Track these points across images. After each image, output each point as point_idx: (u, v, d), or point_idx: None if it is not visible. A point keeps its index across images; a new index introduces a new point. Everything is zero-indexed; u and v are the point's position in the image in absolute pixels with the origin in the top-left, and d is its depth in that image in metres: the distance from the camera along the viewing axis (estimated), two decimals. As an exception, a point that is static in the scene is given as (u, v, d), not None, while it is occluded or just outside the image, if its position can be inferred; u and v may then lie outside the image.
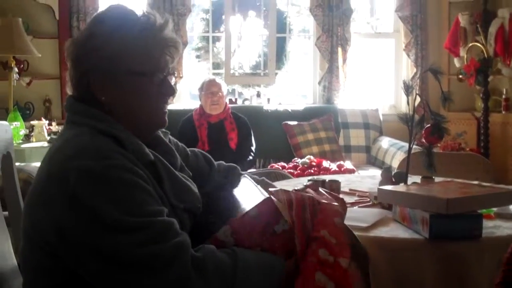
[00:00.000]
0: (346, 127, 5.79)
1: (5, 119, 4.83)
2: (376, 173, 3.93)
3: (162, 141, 1.69)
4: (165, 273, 1.32)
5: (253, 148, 4.91)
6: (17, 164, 2.31)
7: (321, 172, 4.64)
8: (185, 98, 6.04)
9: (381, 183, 2.68)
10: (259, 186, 1.67)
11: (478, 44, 5.48)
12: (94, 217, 1.31)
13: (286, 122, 5.61)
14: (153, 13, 1.58)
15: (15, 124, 4.85)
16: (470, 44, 5.55)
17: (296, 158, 5.16)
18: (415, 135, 2.64)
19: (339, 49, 5.97)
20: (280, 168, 4.72)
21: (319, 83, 6.09)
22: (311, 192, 1.72)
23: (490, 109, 5.51)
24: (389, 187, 2.38)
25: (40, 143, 4.90)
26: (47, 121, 5.19)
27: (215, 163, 1.96)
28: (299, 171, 4.69)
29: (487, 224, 2.16)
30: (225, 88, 4.99)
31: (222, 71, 6.24)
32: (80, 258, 1.35)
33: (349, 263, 1.49)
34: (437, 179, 2.71)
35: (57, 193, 1.35)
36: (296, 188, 1.87)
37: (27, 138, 5.03)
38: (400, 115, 2.70)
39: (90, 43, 1.52)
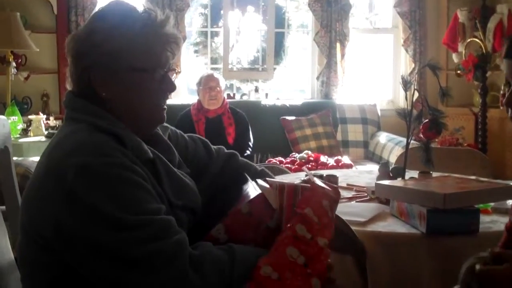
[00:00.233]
0: (344, 122, 5.80)
1: (3, 114, 4.81)
2: (374, 168, 3.93)
3: (161, 138, 1.69)
4: (163, 271, 1.32)
5: (251, 143, 4.92)
6: (14, 158, 2.31)
7: (319, 167, 4.65)
8: (183, 93, 6.04)
9: (379, 178, 2.68)
10: (253, 183, 1.66)
11: (477, 40, 5.47)
12: (93, 214, 1.31)
13: (284, 117, 5.61)
14: (154, 9, 1.58)
15: (13, 119, 4.84)
16: (469, 40, 5.55)
17: (294, 153, 5.16)
18: (413, 130, 2.64)
19: (338, 44, 5.96)
20: (278, 163, 4.72)
21: (317, 78, 6.09)
22: (307, 172, 1.73)
23: (488, 105, 5.51)
24: (386, 182, 2.38)
25: (38, 138, 4.89)
26: (45, 116, 5.18)
27: (214, 148, 1.94)
28: (297, 166, 4.69)
29: (484, 219, 2.16)
30: (223, 83, 4.99)
31: (220, 66, 6.23)
32: (78, 255, 1.35)
33: (328, 244, 1.49)
34: (435, 174, 2.71)
35: (55, 189, 1.35)
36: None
37: (25, 132, 5.02)
38: (398, 110, 2.70)
39: (91, 39, 1.51)
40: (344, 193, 2.73)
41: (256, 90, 6.13)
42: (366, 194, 2.66)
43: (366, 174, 3.32)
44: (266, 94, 6.10)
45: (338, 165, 4.82)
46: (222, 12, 6.20)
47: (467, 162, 4.63)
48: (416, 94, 2.64)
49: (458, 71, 5.53)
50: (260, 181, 1.60)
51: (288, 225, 1.47)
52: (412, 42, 6.07)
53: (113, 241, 1.31)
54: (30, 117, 5.09)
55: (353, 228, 2.09)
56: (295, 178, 2.00)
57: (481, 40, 5.43)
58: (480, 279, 1.22)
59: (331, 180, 2.63)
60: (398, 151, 4.96)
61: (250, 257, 1.45)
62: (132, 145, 1.48)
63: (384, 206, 2.42)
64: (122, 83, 1.52)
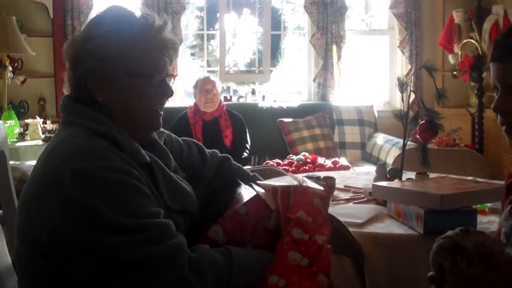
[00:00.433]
0: (341, 123, 5.80)
1: (0, 118, 4.82)
2: (371, 169, 3.94)
3: (157, 143, 1.69)
4: (162, 274, 1.33)
5: (248, 145, 4.92)
6: (11, 162, 2.31)
7: (316, 169, 4.65)
8: (180, 96, 6.03)
9: (376, 179, 2.68)
10: (247, 186, 1.67)
11: (473, 41, 5.48)
12: (91, 218, 1.32)
13: (281, 119, 5.61)
14: (151, 14, 1.58)
15: (10, 123, 4.84)
16: (465, 41, 5.55)
17: (291, 155, 5.16)
18: (409, 131, 2.65)
19: (334, 46, 5.97)
20: (275, 165, 4.72)
21: (314, 80, 6.09)
22: (294, 177, 1.73)
23: (484, 105, 5.51)
24: (383, 183, 2.38)
25: (35, 142, 4.89)
26: (42, 120, 5.18)
27: (208, 152, 1.95)
28: (294, 168, 4.69)
29: (481, 219, 2.17)
30: (219, 85, 5.00)
31: (217, 68, 6.23)
32: (74, 259, 1.35)
33: (327, 240, 1.49)
34: (432, 175, 2.71)
35: (51, 193, 1.35)
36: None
37: (22, 136, 5.02)
38: (394, 111, 2.71)
39: (88, 45, 1.52)
40: (341, 195, 2.73)
41: (253, 92, 6.13)
42: (363, 196, 2.66)
43: (363, 175, 3.31)
44: (263, 97, 6.10)
45: (336, 167, 4.82)
46: (218, 14, 6.21)
47: (464, 162, 4.63)
48: (413, 96, 2.64)
49: (454, 72, 5.53)
50: (255, 186, 1.61)
51: (285, 232, 1.48)
52: (408, 44, 6.09)
53: (112, 245, 1.31)
54: (27, 121, 5.09)
55: (351, 229, 2.09)
56: (286, 181, 2.00)
57: (477, 41, 5.44)
58: (464, 281, 1.22)
59: (328, 182, 2.63)
60: (395, 152, 4.96)
61: (248, 260, 1.45)
62: (129, 149, 1.48)
63: (381, 208, 2.41)
64: (119, 88, 1.52)
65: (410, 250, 2.05)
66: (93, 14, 5.54)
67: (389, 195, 2.27)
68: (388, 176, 2.74)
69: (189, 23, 6.69)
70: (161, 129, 1.72)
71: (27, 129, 5.03)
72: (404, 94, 2.67)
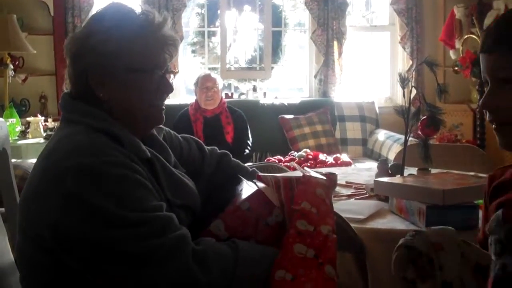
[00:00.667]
0: (342, 120, 5.80)
1: (1, 116, 4.82)
2: (373, 165, 3.93)
3: (157, 139, 1.69)
4: (165, 266, 1.33)
5: (249, 142, 4.92)
6: (13, 160, 2.31)
7: (318, 165, 4.65)
8: (181, 93, 6.04)
9: (378, 175, 2.68)
10: (248, 181, 1.67)
11: (474, 36, 5.47)
12: (95, 214, 1.32)
13: (283, 115, 5.61)
14: (152, 11, 1.59)
15: (11, 121, 4.84)
16: (466, 36, 5.55)
17: (292, 152, 5.16)
18: (411, 127, 2.65)
19: (335, 43, 5.97)
20: (277, 161, 4.72)
21: (315, 76, 6.09)
22: (297, 168, 1.74)
23: (486, 101, 5.50)
24: (385, 179, 2.38)
25: (36, 140, 4.90)
26: (43, 118, 5.18)
27: (208, 149, 1.95)
28: (295, 165, 4.69)
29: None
30: (220, 82, 5.00)
31: (218, 65, 6.23)
32: (78, 254, 1.35)
33: (332, 230, 1.49)
34: (434, 171, 2.72)
35: (53, 190, 1.35)
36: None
37: (23, 134, 5.02)
38: (396, 107, 2.70)
39: (89, 40, 1.52)
40: (343, 191, 2.73)
41: (254, 89, 6.13)
42: (365, 192, 2.66)
43: (365, 171, 3.32)
44: (264, 93, 6.10)
45: (337, 163, 4.82)
46: (219, 11, 6.20)
47: (466, 158, 4.64)
48: (414, 91, 2.64)
49: (456, 68, 5.53)
50: (256, 181, 1.61)
51: (290, 225, 1.49)
52: (409, 40, 6.08)
53: (115, 239, 1.32)
54: (28, 119, 5.09)
55: (353, 225, 2.09)
56: (287, 173, 2.01)
57: (478, 36, 5.43)
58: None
59: (331, 178, 2.64)
60: (396, 148, 4.96)
61: (254, 254, 1.46)
62: (130, 145, 1.49)
63: (383, 203, 2.42)
64: (120, 84, 1.53)
65: (412, 245, 2.05)
66: (94, 11, 5.54)
67: (391, 190, 2.28)
68: (390, 172, 2.74)
69: (190, 20, 6.70)
70: (161, 126, 1.72)
71: (28, 127, 5.03)
72: (406, 90, 2.67)
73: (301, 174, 1.61)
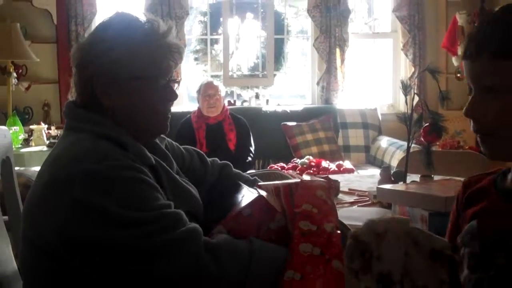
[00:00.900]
0: (345, 127, 5.81)
1: (4, 124, 4.83)
2: (376, 172, 3.94)
3: (159, 147, 1.70)
4: (180, 258, 1.34)
5: (252, 149, 4.92)
6: (16, 168, 2.31)
7: (320, 172, 4.65)
8: (184, 101, 6.05)
9: (380, 182, 2.68)
10: (249, 188, 1.69)
11: (476, 43, 5.48)
12: (105, 218, 1.33)
13: (285, 123, 5.62)
14: (157, 20, 1.60)
15: (14, 129, 4.85)
16: (468, 43, 5.55)
17: (295, 159, 5.17)
18: (413, 134, 2.64)
19: (337, 50, 5.98)
20: (280, 168, 4.73)
21: (318, 83, 6.10)
22: (293, 175, 1.74)
23: (488, 107, 5.50)
24: (388, 186, 2.38)
25: (39, 147, 4.90)
26: (46, 126, 5.19)
27: (209, 160, 1.97)
28: (298, 172, 4.69)
29: (486, 221, 2.16)
30: (223, 90, 5.01)
31: (221, 73, 6.24)
32: (91, 258, 1.36)
33: (336, 227, 1.50)
34: (436, 178, 2.71)
35: (61, 198, 1.36)
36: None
37: (26, 142, 5.03)
38: (398, 114, 2.70)
39: (95, 48, 1.54)
40: (346, 198, 2.73)
41: (257, 96, 6.14)
42: (368, 199, 2.66)
43: (367, 178, 3.32)
44: (267, 101, 6.11)
45: (340, 170, 4.82)
46: (221, 19, 6.22)
47: (469, 164, 4.63)
48: (416, 98, 2.64)
49: (458, 74, 5.54)
50: (257, 188, 1.62)
51: (293, 227, 1.49)
52: (412, 46, 6.09)
53: (128, 239, 1.33)
54: (31, 127, 5.10)
55: (355, 232, 2.09)
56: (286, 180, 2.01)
57: (480, 43, 5.44)
58: None
59: (330, 179, 2.64)
60: (399, 155, 4.96)
61: (267, 250, 1.46)
62: (134, 150, 1.50)
63: (386, 210, 2.42)
64: (125, 91, 1.54)
65: (415, 252, 2.04)
66: (97, 20, 5.57)
67: (393, 197, 2.27)
68: (393, 178, 2.74)
69: (193, 28, 6.70)
70: (162, 136, 1.73)
71: (31, 135, 5.04)
72: (408, 97, 2.67)
73: (299, 180, 1.62)
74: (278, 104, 6.04)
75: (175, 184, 1.61)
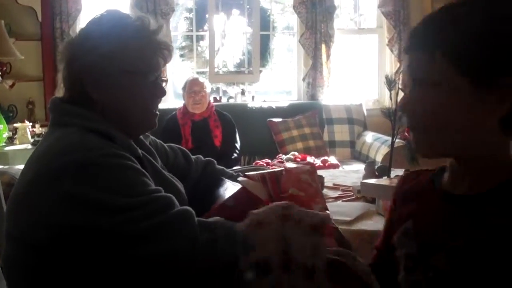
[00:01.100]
0: (331, 122, 5.82)
1: (-11, 122, 4.81)
2: (361, 167, 3.95)
3: (144, 143, 1.71)
4: (173, 238, 1.35)
5: (238, 146, 4.92)
6: (0, 166, 2.31)
7: (306, 168, 4.65)
8: (169, 97, 6.04)
9: (365, 177, 2.70)
10: (232, 182, 1.70)
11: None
12: (98, 207, 1.33)
13: (271, 119, 5.62)
14: (147, 17, 1.62)
15: (-1, 127, 4.83)
16: (452, 38, 5.58)
17: (280, 155, 5.17)
18: (398, 129, 2.66)
19: (323, 46, 5.99)
20: (265, 165, 4.73)
21: (303, 79, 6.10)
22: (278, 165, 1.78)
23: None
24: (372, 181, 2.39)
25: (24, 146, 4.88)
26: (31, 123, 5.16)
27: (193, 157, 1.98)
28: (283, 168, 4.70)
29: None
30: (208, 86, 5.00)
31: (207, 69, 6.23)
32: (87, 249, 1.36)
33: (325, 207, 1.52)
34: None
35: (51, 191, 1.35)
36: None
37: (11, 140, 5.00)
38: (383, 109, 2.72)
39: (85, 43, 1.56)
40: (330, 193, 2.74)
41: (243, 93, 6.14)
42: (352, 193, 2.67)
43: (352, 173, 3.33)
44: (253, 97, 6.11)
45: (325, 166, 4.83)
46: (207, 15, 6.21)
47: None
48: (401, 93, 2.65)
49: (443, 70, 5.56)
50: (241, 178, 1.63)
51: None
52: (397, 42, 6.11)
53: (118, 225, 1.33)
54: (15, 125, 5.07)
55: (340, 227, 2.09)
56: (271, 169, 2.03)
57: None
58: None
59: (313, 164, 2.66)
60: (384, 150, 4.98)
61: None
62: (122, 143, 1.51)
63: (370, 205, 2.43)
64: (115, 86, 1.55)
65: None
66: (82, 17, 5.54)
67: (377, 192, 2.29)
68: (377, 173, 2.76)
69: (178, 25, 6.70)
70: (147, 133, 1.74)
71: (16, 133, 5.01)
72: (393, 92, 2.69)
73: (283, 168, 1.65)
74: (264, 101, 6.05)
75: (161, 178, 1.62)
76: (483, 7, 1.04)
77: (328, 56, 6.01)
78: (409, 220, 1.16)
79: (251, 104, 5.86)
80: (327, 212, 1.52)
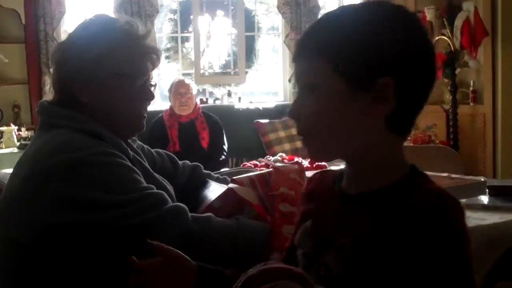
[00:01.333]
0: (318, 123, 5.82)
1: (-27, 126, 4.78)
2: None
3: (131, 146, 1.72)
4: (167, 232, 1.38)
5: (225, 147, 4.92)
6: (-14, 171, 2.30)
7: (294, 169, 4.65)
8: (156, 100, 6.01)
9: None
10: (218, 184, 1.72)
11: (445, 38, 5.54)
12: (86, 205, 1.35)
13: (258, 120, 5.63)
14: (136, 22, 1.64)
15: (-16, 131, 4.80)
16: (437, 38, 5.61)
17: (268, 156, 5.17)
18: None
19: (308, 46, 5.99)
20: (253, 166, 4.73)
21: (290, 80, 6.12)
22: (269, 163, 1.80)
23: (458, 101, 5.57)
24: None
25: (10, 149, 4.86)
26: (16, 127, 5.14)
27: (180, 162, 1.99)
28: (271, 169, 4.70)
29: (457, 215, 2.18)
30: (194, 88, 5.00)
31: (192, 71, 6.23)
32: (73, 246, 1.37)
33: None
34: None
35: (39, 192, 1.37)
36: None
37: (-4, 144, 4.99)
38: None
39: (75, 46, 1.58)
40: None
41: (229, 94, 6.14)
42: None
43: (340, 174, 3.33)
44: (239, 98, 6.11)
45: (313, 167, 4.83)
46: (191, 17, 6.20)
47: (439, 159, 4.67)
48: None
49: (429, 69, 5.58)
50: (231, 185, 1.64)
51: (273, 209, 1.56)
52: (382, 42, 6.12)
53: (109, 221, 1.35)
54: (1, 128, 5.06)
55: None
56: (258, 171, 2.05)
57: (449, 37, 5.50)
58: None
59: (300, 164, 2.67)
60: (372, 150, 4.98)
61: (253, 224, 1.53)
62: (111, 142, 1.53)
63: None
64: (103, 88, 1.57)
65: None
66: (66, 19, 5.52)
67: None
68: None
69: (163, 26, 6.68)
70: (134, 138, 1.76)
71: (1, 137, 5.00)
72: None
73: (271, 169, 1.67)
74: (251, 102, 6.06)
75: (151, 178, 1.62)
76: (356, 12, 1.07)
77: (313, 57, 6.02)
78: (309, 220, 1.17)
79: (237, 105, 5.86)
80: None
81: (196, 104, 4.99)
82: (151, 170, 1.67)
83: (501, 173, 5.61)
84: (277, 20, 6.53)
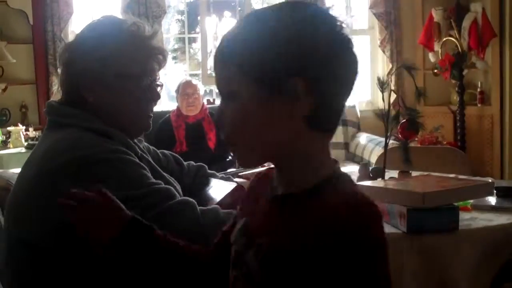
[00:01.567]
0: (324, 124, 5.81)
1: (-19, 126, 4.80)
2: (355, 169, 3.94)
3: (138, 146, 1.72)
4: (176, 224, 1.40)
5: (232, 148, 4.91)
6: (-6, 171, 2.30)
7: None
8: (163, 100, 6.03)
9: (359, 179, 2.69)
10: (222, 181, 1.73)
11: (452, 39, 5.53)
12: None
13: (264, 121, 5.61)
14: (143, 23, 1.65)
15: (-8, 131, 4.82)
16: (444, 39, 5.60)
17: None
18: (391, 130, 2.66)
19: (315, 47, 5.98)
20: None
21: (296, 81, 6.10)
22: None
23: (465, 103, 5.56)
24: (366, 183, 2.39)
25: (18, 149, 4.87)
26: (24, 127, 5.15)
27: (185, 163, 2.00)
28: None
29: (463, 216, 2.18)
30: (201, 88, 5.00)
31: (199, 71, 6.23)
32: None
33: None
34: (415, 173, 2.73)
35: (51, 190, 1.37)
36: None
37: (4, 144, 4.99)
38: (376, 111, 2.72)
39: (82, 46, 1.59)
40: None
41: (236, 95, 6.13)
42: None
43: (347, 175, 3.33)
44: (246, 99, 6.10)
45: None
46: (199, 18, 6.21)
47: (447, 160, 4.67)
48: (394, 95, 2.66)
49: (435, 70, 5.57)
50: (237, 179, 1.65)
51: None
52: (389, 43, 6.11)
53: None
54: (9, 128, 5.06)
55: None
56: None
57: (456, 38, 5.49)
58: None
59: None
60: (378, 151, 4.98)
61: None
62: (119, 140, 1.54)
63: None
64: (110, 89, 1.58)
65: (393, 248, 2.05)
66: (73, 20, 5.53)
67: (372, 194, 2.25)
68: (371, 175, 2.76)
69: (170, 27, 6.70)
70: (140, 138, 1.76)
71: (9, 137, 5.00)
72: (385, 93, 2.69)
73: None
74: (257, 102, 6.04)
75: (159, 175, 1.63)
76: (266, 16, 1.07)
77: (320, 58, 6.01)
78: (245, 218, 1.18)
79: (244, 106, 5.84)
80: None
81: (203, 104, 4.99)
82: (158, 167, 1.68)
83: (509, 174, 5.60)
84: (284, 21, 6.52)
